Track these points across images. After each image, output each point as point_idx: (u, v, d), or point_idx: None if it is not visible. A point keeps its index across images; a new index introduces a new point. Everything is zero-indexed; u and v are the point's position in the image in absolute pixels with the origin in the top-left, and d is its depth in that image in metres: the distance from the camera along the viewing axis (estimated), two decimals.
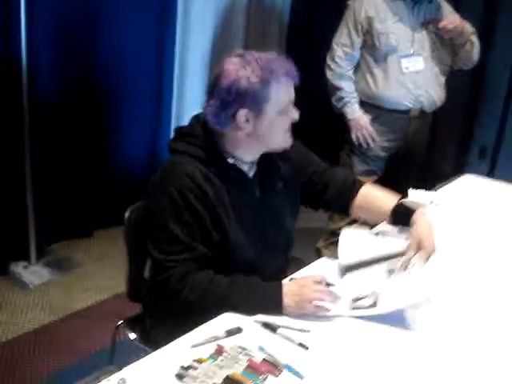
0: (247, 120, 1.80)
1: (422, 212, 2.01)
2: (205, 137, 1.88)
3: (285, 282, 1.82)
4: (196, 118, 1.95)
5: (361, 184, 2.16)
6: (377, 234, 2.09)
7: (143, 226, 1.93)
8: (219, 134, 1.88)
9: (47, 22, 3.46)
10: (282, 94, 1.81)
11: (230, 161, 1.90)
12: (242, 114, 1.79)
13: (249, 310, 1.73)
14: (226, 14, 4.34)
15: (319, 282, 1.80)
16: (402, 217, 2.02)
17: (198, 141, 1.87)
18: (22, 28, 3.24)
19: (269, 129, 1.83)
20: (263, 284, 1.79)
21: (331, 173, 2.16)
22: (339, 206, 2.17)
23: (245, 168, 1.94)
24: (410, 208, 2.03)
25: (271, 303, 1.75)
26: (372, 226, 2.15)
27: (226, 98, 1.78)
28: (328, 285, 1.85)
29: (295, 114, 1.87)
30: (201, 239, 1.81)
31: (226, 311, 1.74)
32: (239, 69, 1.76)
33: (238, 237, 1.88)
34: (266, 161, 1.98)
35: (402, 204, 2.05)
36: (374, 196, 2.14)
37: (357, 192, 2.13)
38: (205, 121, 1.87)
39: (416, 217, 1.99)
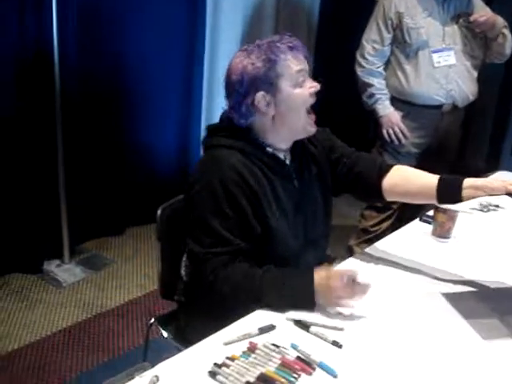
0: (267, 104, 1.83)
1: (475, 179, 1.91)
2: (239, 129, 1.89)
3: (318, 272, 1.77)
4: (225, 114, 1.96)
5: (391, 165, 2.10)
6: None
7: (183, 221, 1.93)
8: (247, 127, 1.89)
9: (77, 23, 3.51)
10: (291, 67, 1.83)
11: (269, 150, 1.91)
12: (260, 97, 1.82)
13: (280, 305, 1.73)
14: (255, 11, 4.34)
15: (350, 280, 1.75)
16: (449, 188, 1.90)
17: (235, 134, 1.88)
18: (54, 28, 3.28)
19: (290, 105, 1.85)
20: (295, 278, 1.76)
21: (359, 155, 2.12)
22: (370, 186, 2.07)
23: (281, 156, 1.94)
24: (459, 178, 1.92)
25: (303, 300, 1.74)
26: None
27: (241, 90, 1.82)
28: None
29: (314, 86, 1.88)
30: (241, 233, 1.81)
31: (259, 305, 1.73)
32: (243, 59, 1.82)
33: (280, 227, 1.88)
34: (299, 147, 1.99)
35: (447, 177, 1.95)
36: (410, 172, 2.08)
37: (387, 171, 2.06)
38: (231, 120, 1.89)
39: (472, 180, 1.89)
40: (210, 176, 1.79)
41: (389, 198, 2.08)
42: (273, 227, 1.86)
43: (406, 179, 2.04)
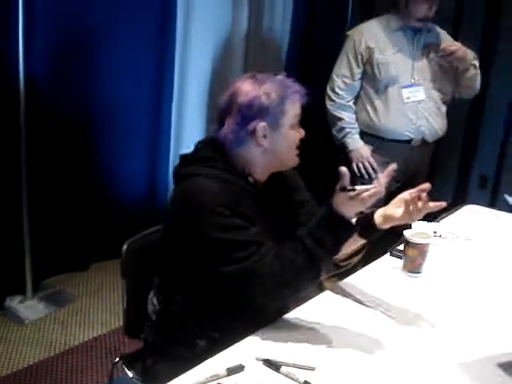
0: (265, 136, 1.84)
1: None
2: (220, 158, 1.87)
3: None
4: (202, 143, 1.95)
5: None
6: None
7: (159, 254, 1.90)
8: (233, 155, 1.88)
9: (44, 46, 3.45)
10: (295, 109, 1.88)
11: (251, 180, 1.90)
12: (261, 128, 1.82)
13: (330, 251, 1.76)
14: (225, 44, 4.35)
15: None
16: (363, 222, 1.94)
17: (214, 163, 1.86)
18: (20, 52, 3.23)
19: (284, 143, 1.88)
20: (320, 223, 1.74)
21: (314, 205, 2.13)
22: None
23: (259, 187, 1.93)
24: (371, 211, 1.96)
25: (342, 230, 1.75)
26: None
27: (247, 114, 1.82)
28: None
29: (302, 132, 1.93)
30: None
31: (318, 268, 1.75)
32: (257, 87, 1.83)
33: None
34: (271, 180, 1.98)
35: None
36: None
37: None
38: (214, 144, 1.88)
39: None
40: (201, 207, 1.75)
41: None
42: None
43: None
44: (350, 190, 1.71)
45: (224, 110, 1.88)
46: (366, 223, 1.90)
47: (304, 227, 1.77)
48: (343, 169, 1.72)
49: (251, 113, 1.82)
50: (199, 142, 1.95)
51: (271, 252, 1.74)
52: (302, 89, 1.90)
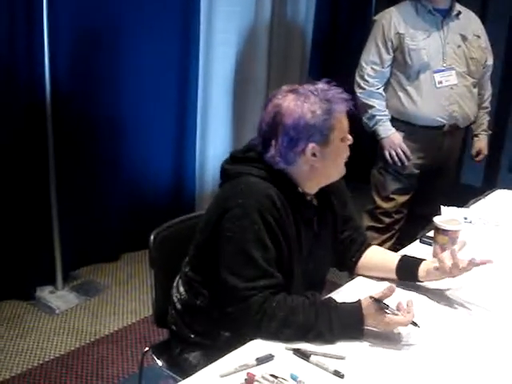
0: (314, 155, 1.78)
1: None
2: (272, 167, 1.82)
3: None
4: (253, 142, 1.88)
5: (368, 245, 2.13)
6: None
7: (195, 241, 1.88)
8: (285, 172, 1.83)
9: (70, 47, 3.47)
10: (343, 122, 1.80)
11: (300, 190, 1.85)
12: (311, 148, 1.76)
13: (330, 336, 1.66)
14: (249, 33, 4.33)
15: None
16: (407, 268, 1.99)
17: (267, 169, 1.81)
18: (46, 52, 3.23)
19: (334, 158, 1.82)
20: (342, 311, 1.70)
21: (357, 223, 2.16)
22: (342, 264, 2.13)
23: (308, 199, 1.90)
24: (416, 258, 2.03)
25: (352, 332, 1.68)
26: None
27: (294, 135, 1.74)
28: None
29: (351, 140, 1.85)
30: (276, 266, 1.74)
31: (307, 338, 1.65)
32: (300, 104, 1.74)
33: (296, 272, 1.83)
34: (323, 193, 1.95)
35: (406, 256, 2.05)
36: (379, 256, 2.11)
37: (366, 249, 2.11)
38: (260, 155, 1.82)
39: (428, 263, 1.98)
40: (248, 205, 1.70)
41: (357, 273, 2.12)
42: (294, 269, 1.81)
43: (374, 260, 2.09)
44: (382, 305, 1.68)
45: (269, 130, 1.79)
46: (410, 271, 1.97)
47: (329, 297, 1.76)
48: (392, 287, 1.69)
49: (298, 134, 1.74)
50: (252, 141, 1.89)
51: (267, 294, 1.68)
52: (345, 95, 1.80)
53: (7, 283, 3.51)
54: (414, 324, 1.70)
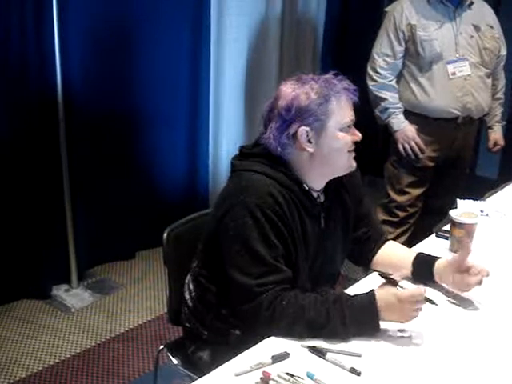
0: (309, 141, 1.76)
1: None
2: (278, 161, 1.81)
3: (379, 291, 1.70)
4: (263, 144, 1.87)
5: (385, 241, 2.11)
6: None
7: (209, 245, 1.85)
8: (286, 161, 1.81)
9: (82, 46, 3.46)
10: (344, 110, 1.77)
11: (306, 187, 1.83)
12: (303, 131, 1.74)
13: (344, 332, 1.64)
14: (260, 28, 4.32)
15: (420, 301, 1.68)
16: (423, 267, 1.97)
17: (272, 164, 1.80)
18: (57, 50, 3.24)
19: (332, 147, 1.78)
20: (355, 304, 1.67)
21: (372, 218, 2.14)
22: (364, 252, 2.11)
23: (314, 195, 1.87)
24: (431, 256, 2.00)
25: (367, 326, 1.66)
26: None
27: (287, 117, 1.74)
28: (428, 300, 1.77)
29: (358, 135, 1.82)
30: (284, 261, 1.74)
31: (319, 335, 1.64)
32: (297, 88, 1.75)
33: (302, 268, 1.81)
34: (331, 189, 1.93)
35: (421, 254, 2.02)
36: (394, 253, 2.09)
37: (383, 244, 2.10)
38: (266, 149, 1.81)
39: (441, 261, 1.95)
40: (249, 203, 1.69)
41: (373, 268, 2.10)
42: (299, 263, 1.79)
43: (389, 257, 2.08)
44: (392, 281, 1.71)
45: (267, 114, 1.81)
46: (426, 270, 1.95)
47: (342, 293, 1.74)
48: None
49: (290, 115, 1.74)
50: (259, 138, 1.87)
51: (278, 290, 1.67)
52: (347, 85, 1.78)
53: (23, 282, 3.52)
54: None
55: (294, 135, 1.75)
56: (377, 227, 2.14)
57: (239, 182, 1.77)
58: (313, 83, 1.75)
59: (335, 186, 1.93)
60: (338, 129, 1.76)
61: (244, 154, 1.87)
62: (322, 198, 1.90)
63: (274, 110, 1.77)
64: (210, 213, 1.90)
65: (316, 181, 1.85)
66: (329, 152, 1.78)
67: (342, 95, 1.76)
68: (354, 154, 1.84)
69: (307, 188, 1.83)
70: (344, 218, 1.98)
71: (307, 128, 1.74)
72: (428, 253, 2.10)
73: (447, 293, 1.92)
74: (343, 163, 1.83)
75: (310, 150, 1.76)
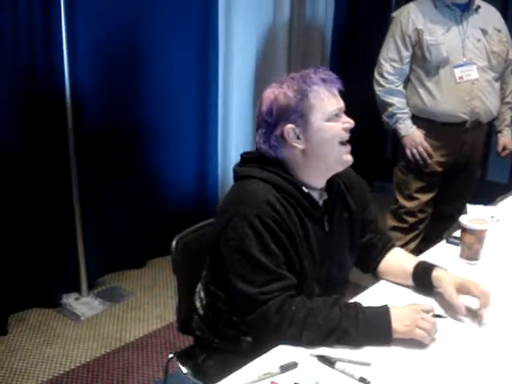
0: (297, 137, 1.77)
1: (445, 270, 1.93)
2: (279, 164, 1.82)
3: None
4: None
5: (390, 247, 2.10)
6: None
7: (209, 248, 1.86)
8: (282, 162, 1.82)
9: (90, 59, 3.47)
10: (325, 100, 1.77)
11: (305, 189, 1.83)
12: (290, 130, 1.76)
13: (356, 339, 1.64)
14: (268, 36, 4.32)
15: (427, 312, 1.69)
16: (422, 275, 1.94)
17: (272, 167, 1.81)
18: (65, 64, 3.26)
19: (321, 139, 1.78)
20: (368, 309, 1.68)
21: (378, 225, 2.12)
22: (365, 267, 2.12)
23: (315, 195, 1.86)
24: (431, 264, 1.96)
25: (380, 330, 1.65)
26: None
27: (270, 120, 1.78)
28: (436, 316, 1.75)
29: (349, 122, 1.81)
30: (287, 268, 1.74)
31: (331, 341, 1.63)
32: (275, 90, 1.79)
33: (308, 270, 1.81)
34: (334, 190, 1.92)
35: (422, 262, 1.99)
36: (396, 260, 2.07)
37: (388, 251, 2.08)
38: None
39: (439, 272, 1.91)
40: (247, 212, 1.69)
41: (379, 277, 2.09)
42: (305, 268, 1.79)
43: (391, 265, 2.06)
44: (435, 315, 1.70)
45: (256, 122, 1.85)
46: (424, 279, 1.93)
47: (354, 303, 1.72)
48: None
49: (273, 118, 1.77)
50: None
51: (285, 296, 1.67)
52: (330, 76, 1.79)
53: (33, 291, 3.53)
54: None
55: (282, 135, 1.77)
56: (383, 234, 2.13)
57: (238, 192, 1.79)
58: (290, 81, 1.78)
59: (339, 189, 1.94)
60: (323, 120, 1.77)
61: (245, 159, 1.89)
62: (325, 196, 1.89)
63: (259, 116, 1.81)
64: (213, 223, 1.91)
65: (314, 178, 1.85)
66: (319, 144, 1.78)
67: (320, 87, 1.76)
68: (348, 148, 1.83)
69: (307, 191, 1.83)
70: (349, 222, 1.97)
71: (292, 125, 1.76)
72: (438, 259, 2.10)
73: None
74: (335, 156, 1.81)
75: (301, 146, 1.78)
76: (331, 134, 1.78)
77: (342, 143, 1.81)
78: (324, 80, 1.77)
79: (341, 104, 1.80)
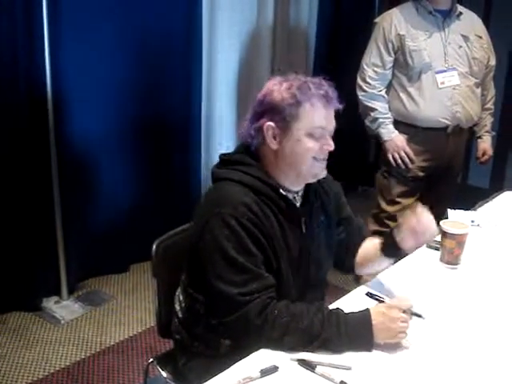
0: (274, 136, 1.78)
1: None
2: (257, 165, 1.83)
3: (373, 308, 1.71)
4: (243, 146, 1.89)
5: (364, 237, 2.11)
6: None
7: (193, 256, 1.84)
8: (260, 158, 1.84)
9: (72, 58, 3.42)
10: (315, 117, 1.75)
11: (282, 192, 1.83)
12: (269, 127, 1.77)
13: (337, 344, 1.64)
14: (252, 39, 4.34)
15: (405, 311, 1.69)
16: (386, 238, 1.96)
17: (250, 170, 1.81)
18: (47, 62, 3.24)
19: (295, 150, 1.77)
20: (351, 319, 1.68)
21: (356, 223, 2.13)
22: (343, 265, 2.13)
23: (290, 197, 1.86)
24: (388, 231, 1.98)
25: (363, 341, 1.65)
26: None
27: (257, 110, 1.80)
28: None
29: (329, 146, 1.79)
30: (265, 268, 1.74)
31: (310, 346, 1.63)
32: (275, 84, 1.79)
33: (286, 271, 1.81)
34: (312, 193, 1.93)
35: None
36: (367, 245, 2.08)
37: (357, 250, 2.09)
38: (248, 149, 1.84)
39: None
40: (224, 214, 1.70)
41: (358, 273, 2.15)
42: (282, 269, 1.79)
43: (364, 250, 2.07)
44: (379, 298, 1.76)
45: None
46: (390, 244, 1.92)
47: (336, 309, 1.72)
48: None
49: (260, 109, 1.79)
50: (241, 145, 1.89)
51: (265, 298, 1.67)
52: (331, 95, 1.77)
53: (12, 294, 3.49)
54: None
55: (261, 129, 1.78)
56: (358, 231, 2.12)
57: (214, 195, 1.81)
58: (293, 83, 1.77)
59: (316, 192, 1.95)
60: (304, 133, 1.76)
61: (223, 161, 1.90)
62: (298, 201, 1.89)
63: (253, 102, 1.84)
64: (191, 225, 1.91)
65: (286, 181, 1.85)
66: (290, 154, 1.78)
67: (317, 101, 1.75)
68: (323, 164, 1.82)
69: (285, 194, 1.83)
70: (326, 225, 1.98)
71: (273, 124, 1.76)
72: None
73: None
74: (307, 169, 1.81)
75: (274, 146, 1.79)
76: (305, 149, 1.77)
77: (316, 159, 1.80)
78: (325, 97, 1.76)
79: (330, 125, 1.79)
